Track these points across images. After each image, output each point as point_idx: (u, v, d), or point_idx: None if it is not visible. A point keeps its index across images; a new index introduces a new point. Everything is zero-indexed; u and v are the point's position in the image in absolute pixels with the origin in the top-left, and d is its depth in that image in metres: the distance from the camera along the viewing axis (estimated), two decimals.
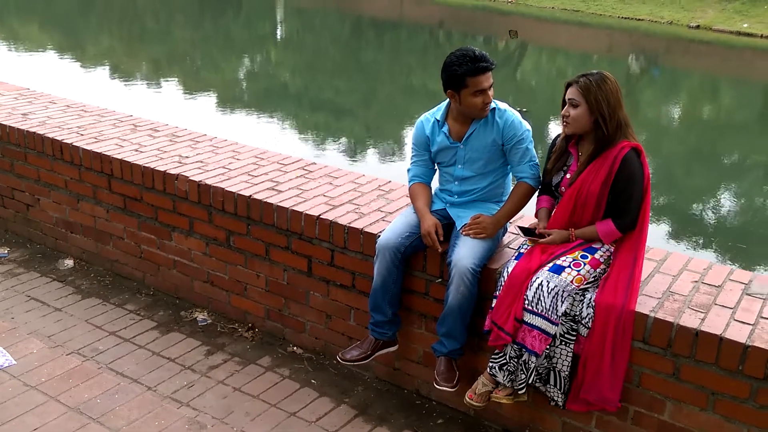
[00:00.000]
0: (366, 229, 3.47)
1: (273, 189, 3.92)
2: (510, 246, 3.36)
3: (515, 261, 3.04)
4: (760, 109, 17.60)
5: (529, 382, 2.98)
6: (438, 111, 3.36)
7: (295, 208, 3.68)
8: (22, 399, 3.20)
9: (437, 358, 3.26)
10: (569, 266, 2.93)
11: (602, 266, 3.00)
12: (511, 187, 3.35)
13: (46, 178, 4.71)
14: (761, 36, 23.45)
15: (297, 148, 10.80)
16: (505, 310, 2.95)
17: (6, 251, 4.85)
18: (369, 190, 3.99)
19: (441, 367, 3.23)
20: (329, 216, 3.60)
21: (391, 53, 22.06)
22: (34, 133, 4.65)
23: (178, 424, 3.13)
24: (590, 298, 2.89)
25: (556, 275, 2.90)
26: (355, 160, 11.00)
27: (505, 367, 3.02)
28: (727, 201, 10.78)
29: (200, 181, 3.98)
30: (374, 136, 12.88)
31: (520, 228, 3.17)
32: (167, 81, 16.03)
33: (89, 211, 4.57)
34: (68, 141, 4.51)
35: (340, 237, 3.54)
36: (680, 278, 3.11)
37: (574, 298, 2.90)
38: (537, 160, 3.27)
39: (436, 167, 3.46)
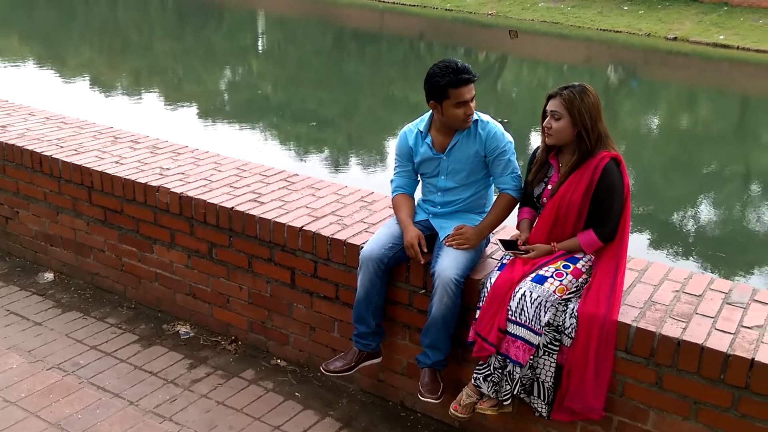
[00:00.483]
0: (349, 241, 3.47)
1: (255, 201, 3.90)
2: (493, 257, 3.37)
3: (498, 272, 3.05)
4: (737, 120, 17.83)
5: (514, 393, 2.98)
6: (421, 122, 3.37)
7: (277, 220, 3.67)
8: (1, 415, 3.16)
9: (421, 369, 3.26)
10: (551, 276, 2.94)
11: (584, 276, 3.02)
12: (494, 199, 3.36)
13: (25, 191, 4.67)
14: (737, 47, 23.78)
15: (279, 160, 10.77)
16: (488, 321, 2.96)
17: None
18: (352, 201, 3.99)
19: (425, 379, 3.22)
20: (312, 227, 3.59)
21: (373, 65, 22.11)
22: (13, 145, 4.61)
23: None
24: (573, 308, 2.91)
25: (538, 285, 2.91)
26: (338, 172, 10.99)
27: (489, 378, 3.02)
28: (706, 211, 10.90)
29: (182, 193, 3.96)
30: (356, 147, 12.89)
31: (501, 241, 3.18)
32: (148, 93, 15.95)
33: (69, 224, 4.53)
34: (48, 153, 4.47)
35: (323, 248, 3.54)
36: (661, 288, 3.14)
37: (557, 308, 2.91)
38: (519, 172, 3.29)
39: (419, 178, 3.47)
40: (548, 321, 2.90)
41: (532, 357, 2.93)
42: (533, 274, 2.96)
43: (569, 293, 2.95)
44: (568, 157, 3.08)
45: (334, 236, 3.51)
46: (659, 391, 2.83)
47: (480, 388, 3.06)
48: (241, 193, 4.00)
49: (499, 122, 3.32)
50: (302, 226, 3.60)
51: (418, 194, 3.52)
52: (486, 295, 3.00)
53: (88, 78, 16.65)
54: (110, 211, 4.29)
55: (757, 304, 3.03)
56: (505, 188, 3.27)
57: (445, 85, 3.10)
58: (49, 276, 4.68)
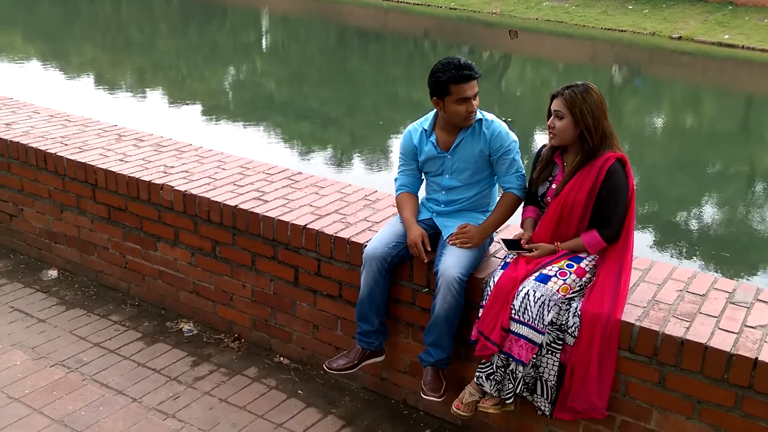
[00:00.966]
0: (352, 239, 3.47)
1: (259, 199, 3.91)
2: (496, 255, 3.37)
3: (501, 270, 3.05)
4: (741, 119, 17.79)
5: (517, 391, 2.98)
6: (426, 121, 3.37)
7: (281, 218, 3.67)
8: (5, 412, 3.16)
9: (424, 367, 3.26)
10: (555, 275, 2.94)
11: (588, 275, 3.01)
12: (498, 198, 3.36)
13: (29, 189, 4.68)
14: (742, 47, 23.73)
15: (283, 158, 10.78)
16: (491, 319, 2.96)
17: None
18: (355, 199, 3.99)
19: (428, 377, 3.22)
20: (316, 226, 3.59)
21: (377, 63, 22.11)
22: (18, 142, 4.62)
23: None
24: (576, 308, 2.90)
25: (542, 284, 2.91)
26: (342, 170, 11.00)
27: (491, 377, 3.02)
28: (710, 210, 10.88)
29: (185, 191, 3.97)
30: (360, 146, 12.89)
31: (504, 241, 3.17)
32: (152, 91, 15.97)
33: (73, 222, 4.54)
34: (52, 151, 4.48)
35: (326, 247, 3.54)
36: (665, 287, 3.13)
37: (560, 307, 2.91)
38: (523, 171, 3.29)
39: (424, 177, 3.47)
40: (551, 320, 2.90)
41: (535, 356, 2.93)
42: (537, 273, 2.96)
43: (573, 292, 2.94)
44: (572, 157, 3.08)
45: (338, 234, 3.51)
46: (662, 391, 2.83)
47: (482, 386, 3.06)
48: (244, 191, 4.01)
49: (504, 121, 3.32)
50: (306, 225, 3.60)
51: (422, 193, 3.52)
52: (489, 293, 3.00)
53: (92, 76, 16.67)
54: (114, 208, 4.29)
55: (761, 303, 3.03)
56: (510, 187, 3.27)
57: (446, 81, 3.11)
58: (53, 273, 4.69)
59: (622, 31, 26.09)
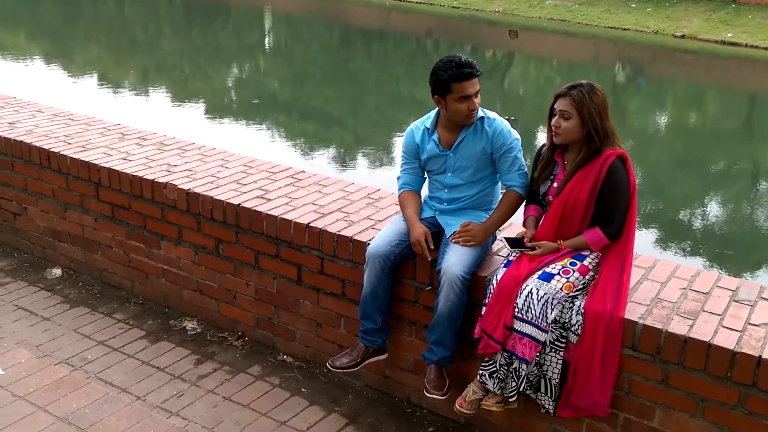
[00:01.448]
0: (355, 237, 3.47)
1: (262, 197, 3.91)
2: (499, 254, 3.37)
3: (504, 269, 3.05)
4: (745, 118, 17.77)
5: (520, 389, 2.98)
6: (428, 119, 3.38)
7: (284, 217, 3.68)
8: (9, 410, 3.18)
9: (427, 366, 3.26)
10: (558, 273, 2.94)
11: (591, 273, 3.01)
12: (500, 195, 3.37)
13: (33, 187, 4.69)
14: (746, 45, 23.68)
15: (286, 157, 10.79)
16: (494, 318, 2.96)
17: None
18: (358, 198, 3.99)
19: (431, 375, 3.23)
20: (319, 224, 3.60)
21: (379, 62, 22.11)
22: (21, 141, 4.63)
23: None
24: (579, 306, 2.90)
25: (545, 283, 2.91)
26: (345, 169, 11.00)
27: (495, 375, 3.02)
28: (714, 208, 10.87)
29: (189, 189, 3.97)
30: (363, 144, 12.90)
31: (507, 239, 3.18)
32: (155, 90, 15.99)
33: (77, 220, 4.55)
34: (55, 150, 4.49)
35: (329, 245, 3.54)
36: (668, 285, 3.13)
37: (563, 305, 2.91)
38: (526, 169, 3.29)
39: (426, 175, 3.47)
40: (555, 318, 2.90)
41: (538, 354, 2.94)
42: (540, 272, 2.96)
43: (576, 290, 2.95)
44: (573, 155, 3.08)
45: (341, 233, 3.52)
46: (666, 389, 2.83)
47: (485, 384, 3.06)
48: (248, 189, 4.01)
49: (506, 120, 3.32)
50: (309, 223, 3.61)
51: (424, 191, 3.53)
52: (492, 291, 3.00)
53: (95, 75, 16.70)
54: (118, 207, 4.30)
55: (765, 301, 3.02)
56: (512, 185, 3.27)
57: (447, 79, 3.11)
58: (57, 272, 4.71)
59: (625, 29, 26.06)
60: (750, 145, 14.95)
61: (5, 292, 4.42)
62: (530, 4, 28.80)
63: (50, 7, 27.24)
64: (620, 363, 2.87)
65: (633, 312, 2.89)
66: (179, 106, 14.31)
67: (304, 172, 4.39)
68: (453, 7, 29.69)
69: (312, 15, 29.70)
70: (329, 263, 3.59)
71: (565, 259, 3.01)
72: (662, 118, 17.22)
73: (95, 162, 4.32)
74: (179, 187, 4.00)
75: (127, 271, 4.45)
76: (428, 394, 3.20)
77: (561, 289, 2.90)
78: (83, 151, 4.50)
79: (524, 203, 3.32)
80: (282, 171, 4.36)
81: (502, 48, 24.33)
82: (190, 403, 3.47)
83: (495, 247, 3.41)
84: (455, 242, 3.18)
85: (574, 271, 2.96)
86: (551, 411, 3.02)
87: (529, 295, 2.89)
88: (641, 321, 2.83)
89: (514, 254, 3.13)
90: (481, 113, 3.24)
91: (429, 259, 3.23)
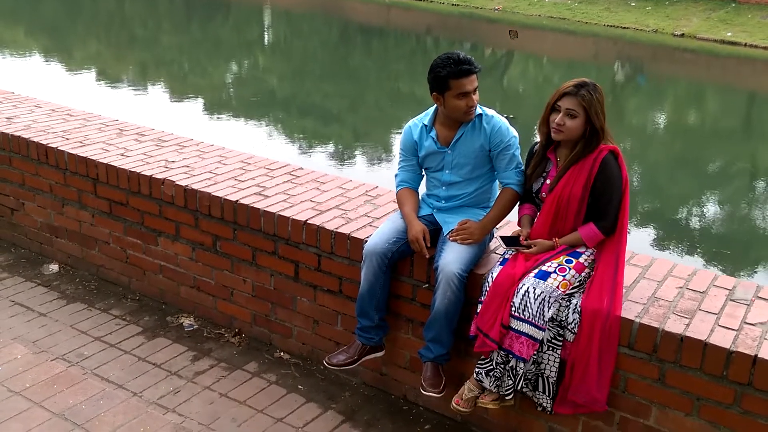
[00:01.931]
0: (353, 235, 3.47)
1: (260, 194, 3.91)
2: (496, 252, 3.37)
3: (500, 266, 3.05)
4: (743, 117, 17.77)
5: (518, 388, 2.98)
6: (426, 116, 3.37)
7: (281, 213, 3.67)
8: (5, 405, 3.18)
9: (424, 363, 3.26)
10: (554, 272, 2.94)
11: (587, 270, 3.02)
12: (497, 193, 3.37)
13: (30, 182, 4.68)
14: (745, 44, 23.69)
15: (284, 153, 10.79)
16: (490, 316, 2.96)
17: None
18: (356, 195, 3.99)
19: (427, 373, 3.23)
20: (316, 221, 3.59)
21: (379, 59, 22.10)
22: (19, 136, 4.62)
23: (164, 430, 3.12)
24: (576, 303, 2.91)
25: (542, 281, 2.91)
26: (343, 166, 11.00)
27: (491, 373, 3.03)
28: (711, 207, 10.87)
29: (186, 185, 3.97)
30: (361, 141, 12.90)
31: (502, 238, 3.18)
32: (154, 85, 15.97)
33: (74, 216, 4.54)
34: (53, 145, 4.48)
35: (327, 242, 3.54)
36: (665, 284, 3.14)
37: (560, 303, 2.91)
38: (523, 167, 3.29)
39: (424, 173, 3.47)
40: (552, 316, 2.90)
41: (536, 352, 2.94)
42: (536, 270, 2.96)
43: (572, 288, 2.95)
44: (566, 152, 3.09)
45: (338, 230, 3.52)
46: (662, 387, 2.83)
47: (482, 382, 3.06)
48: (245, 186, 4.01)
49: (505, 118, 3.32)
50: (306, 220, 3.61)
51: (422, 189, 3.52)
52: (487, 290, 3.01)
53: (94, 70, 16.68)
54: (115, 203, 4.30)
55: (761, 301, 3.03)
56: (509, 183, 3.27)
57: (446, 75, 3.11)
58: (54, 267, 4.70)
59: (624, 28, 26.06)
60: (748, 144, 14.96)
61: (2, 287, 4.41)
62: (530, 2, 28.79)
63: (49, 2, 27.19)
64: (617, 361, 2.88)
65: (629, 311, 2.89)
66: (178, 102, 14.30)
67: (302, 168, 4.38)
68: (453, 4, 29.68)
69: (311, 11, 29.67)
70: (326, 260, 3.59)
71: (561, 257, 3.01)
72: (661, 116, 17.22)
73: (93, 157, 4.31)
74: (177, 183, 3.99)
75: (124, 267, 4.45)
76: (424, 392, 3.20)
77: (558, 287, 2.90)
78: (81, 146, 4.50)
79: (519, 202, 3.32)
80: (280, 168, 4.36)
81: (502, 46, 24.33)
82: (187, 400, 3.47)
83: (492, 245, 3.41)
84: (453, 240, 3.18)
85: (570, 269, 2.96)
86: (548, 409, 3.02)
87: (526, 293, 2.89)
88: (638, 320, 2.83)
89: (510, 252, 3.13)
90: (479, 110, 3.24)
91: (427, 256, 3.23)
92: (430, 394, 3.19)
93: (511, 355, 2.95)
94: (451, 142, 3.28)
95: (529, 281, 2.92)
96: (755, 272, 8.27)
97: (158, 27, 25.05)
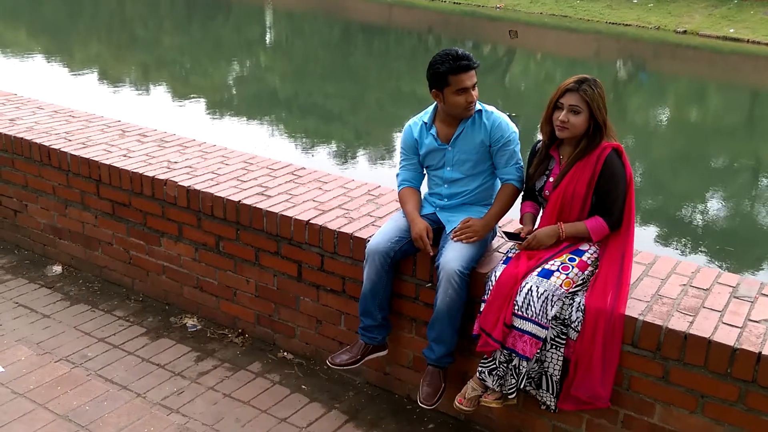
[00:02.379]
0: (356, 234, 3.47)
1: (262, 194, 3.91)
2: (499, 250, 3.36)
3: (503, 265, 3.04)
4: (746, 114, 17.74)
5: (521, 386, 2.98)
6: (425, 114, 3.37)
7: (284, 213, 3.67)
8: (10, 407, 3.18)
9: (426, 367, 3.26)
10: (558, 270, 2.94)
11: (590, 268, 3.01)
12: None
13: (33, 184, 4.69)
14: (747, 41, 23.65)
15: (286, 154, 10.79)
16: (493, 316, 2.95)
17: None
18: (358, 195, 3.99)
19: (427, 378, 3.23)
20: (319, 221, 3.59)
21: (380, 58, 22.09)
22: (22, 138, 4.63)
23: (168, 430, 3.12)
24: (579, 302, 2.90)
25: (545, 280, 2.90)
26: (345, 165, 11.00)
27: (494, 372, 3.02)
28: (714, 204, 10.85)
29: (189, 186, 3.97)
30: (364, 141, 12.89)
31: (505, 233, 3.17)
32: (156, 86, 15.99)
33: (77, 217, 4.55)
34: (56, 146, 4.49)
35: (329, 242, 3.54)
36: (669, 282, 3.13)
37: (563, 301, 2.91)
38: (522, 163, 3.30)
39: (425, 172, 3.47)
40: (555, 315, 2.90)
41: (539, 351, 2.93)
42: (539, 269, 2.96)
43: (576, 286, 2.94)
44: (569, 149, 3.09)
45: (341, 230, 3.51)
46: (666, 385, 2.82)
47: (485, 381, 3.06)
48: (248, 186, 4.01)
49: (507, 115, 3.32)
50: (309, 220, 3.61)
51: (423, 189, 3.52)
52: (491, 288, 3.00)
53: (96, 72, 16.69)
54: (118, 204, 4.30)
55: (765, 298, 3.02)
56: (509, 179, 3.27)
57: (444, 72, 3.11)
58: (57, 269, 4.71)
59: (626, 25, 26.03)
60: (751, 141, 14.93)
61: (5, 289, 4.42)
62: None
63: (51, 3, 27.22)
64: (620, 359, 2.87)
65: (633, 308, 2.88)
66: (180, 102, 14.30)
67: (304, 168, 4.38)
68: (454, 2, 29.66)
69: (313, 11, 29.68)
70: (329, 260, 3.58)
71: (564, 255, 3.01)
72: (664, 114, 17.20)
73: (96, 159, 4.31)
74: (179, 184, 4.00)
75: (127, 268, 4.45)
76: (419, 401, 3.21)
77: (561, 285, 2.89)
78: (84, 148, 4.50)
79: (521, 200, 3.32)
80: (282, 168, 4.36)
81: (504, 44, 24.31)
82: (191, 400, 3.47)
83: (495, 243, 3.41)
84: (457, 240, 3.16)
85: (573, 267, 2.95)
86: (552, 407, 3.02)
87: (529, 292, 2.89)
88: (641, 317, 2.83)
89: (513, 251, 3.13)
90: (478, 106, 3.24)
91: (431, 254, 3.22)
92: (423, 406, 3.19)
93: (514, 354, 2.95)
94: (452, 139, 3.28)
95: (532, 280, 2.91)
96: (759, 269, 8.25)
97: (159, 27, 25.07)
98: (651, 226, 9.19)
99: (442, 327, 3.14)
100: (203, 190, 3.92)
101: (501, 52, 23.61)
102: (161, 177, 4.07)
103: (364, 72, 19.64)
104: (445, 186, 3.36)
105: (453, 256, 3.09)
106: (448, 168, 3.33)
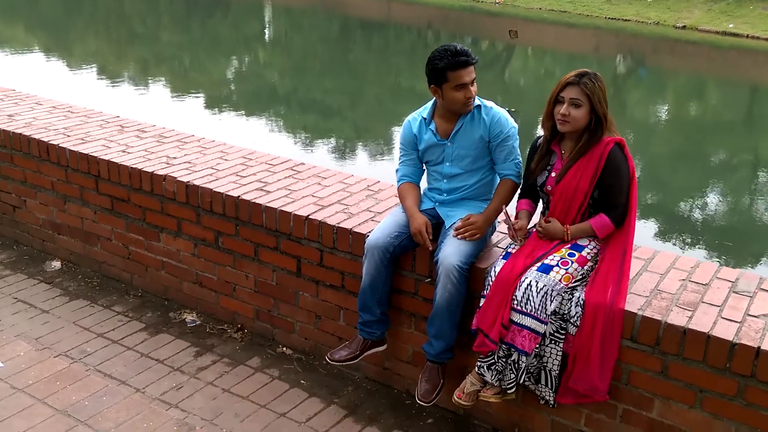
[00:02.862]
0: (355, 229, 3.47)
1: (261, 189, 3.91)
2: (498, 245, 3.36)
3: (503, 261, 3.04)
4: (745, 109, 17.74)
5: (520, 381, 2.98)
6: (425, 110, 3.37)
7: (283, 209, 3.67)
8: (9, 402, 3.18)
9: (426, 363, 3.26)
10: (557, 265, 2.94)
11: (589, 263, 3.01)
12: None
13: (32, 180, 4.68)
14: (747, 36, 23.65)
15: (285, 149, 10.78)
16: (491, 314, 2.94)
17: None
18: (358, 190, 3.98)
19: (426, 374, 3.23)
20: (318, 216, 3.59)
21: (379, 54, 22.07)
22: (20, 134, 4.62)
23: (167, 425, 3.12)
24: (578, 297, 2.90)
25: (544, 275, 2.90)
26: (344, 161, 10.99)
27: (493, 367, 3.02)
28: (713, 200, 10.86)
29: (188, 181, 3.97)
30: (363, 136, 12.89)
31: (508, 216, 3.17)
32: (154, 82, 15.97)
33: (76, 213, 4.55)
34: (55, 142, 4.48)
35: (329, 237, 3.54)
36: (668, 276, 3.13)
37: (562, 296, 2.91)
38: (520, 159, 3.29)
39: (425, 167, 3.47)
40: (554, 310, 2.90)
41: (538, 346, 2.93)
42: (539, 264, 2.96)
43: (575, 281, 2.94)
44: (571, 144, 3.08)
45: (340, 225, 3.51)
46: (665, 380, 2.83)
47: (483, 376, 3.06)
48: (247, 182, 4.01)
49: (507, 111, 3.32)
50: (308, 215, 3.60)
51: (423, 184, 3.52)
52: (490, 284, 3.00)
53: (94, 67, 16.67)
54: (117, 199, 4.30)
55: (764, 292, 3.02)
56: (508, 174, 3.27)
57: (443, 67, 3.11)
58: (56, 264, 4.70)
59: (626, 20, 26.02)
60: (750, 136, 14.93)
61: (4, 284, 4.42)
62: None
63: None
64: (619, 354, 2.87)
65: (632, 303, 2.88)
66: (178, 98, 14.29)
67: (303, 164, 4.38)
68: None
69: (312, 7, 29.63)
70: (329, 255, 3.58)
71: (563, 250, 3.00)
72: (663, 109, 17.19)
73: (94, 154, 4.31)
74: (178, 179, 3.99)
75: (126, 264, 4.45)
76: (417, 398, 3.21)
77: (560, 280, 2.89)
78: (82, 143, 4.50)
79: (517, 198, 3.32)
80: (281, 163, 4.35)
81: (503, 40, 24.28)
82: (190, 395, 3.47)
83: (494, 238, 3.41)
84: (461, 239, 3.15)
85: (572, 262, 2.95)
86: (551, 402, 3.02)
87: (528, 287, 2.89)
88: (640, 312, 2.83)
89: (513, 246, 3.12)
90: (477, 101, 3.24)
91: (430, 248, 3.22)
92: (421, 403, 3.19)
93: (513, 349, 2.95)
94: (451, 134, 3.27)
95: (532, 275, 2.91)
96: (758, 264, 8.26)
97: (158, 23, 25.04)
98: (650, 221, 9.19)
99: (442, 322, 3.14)
100: (202, 186, 3.92)
101: (500, 47, 23.58)
102: (160, 172, 4.07)
103: (363, 68, 19.62)
104: (445, 181, 3.36)
105: (452, 251, 3.09)
106: (448, 163, 3.32)
